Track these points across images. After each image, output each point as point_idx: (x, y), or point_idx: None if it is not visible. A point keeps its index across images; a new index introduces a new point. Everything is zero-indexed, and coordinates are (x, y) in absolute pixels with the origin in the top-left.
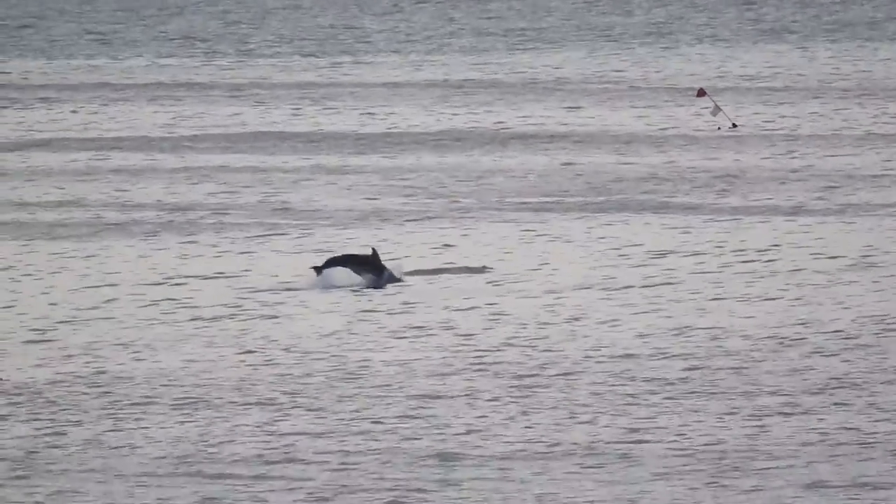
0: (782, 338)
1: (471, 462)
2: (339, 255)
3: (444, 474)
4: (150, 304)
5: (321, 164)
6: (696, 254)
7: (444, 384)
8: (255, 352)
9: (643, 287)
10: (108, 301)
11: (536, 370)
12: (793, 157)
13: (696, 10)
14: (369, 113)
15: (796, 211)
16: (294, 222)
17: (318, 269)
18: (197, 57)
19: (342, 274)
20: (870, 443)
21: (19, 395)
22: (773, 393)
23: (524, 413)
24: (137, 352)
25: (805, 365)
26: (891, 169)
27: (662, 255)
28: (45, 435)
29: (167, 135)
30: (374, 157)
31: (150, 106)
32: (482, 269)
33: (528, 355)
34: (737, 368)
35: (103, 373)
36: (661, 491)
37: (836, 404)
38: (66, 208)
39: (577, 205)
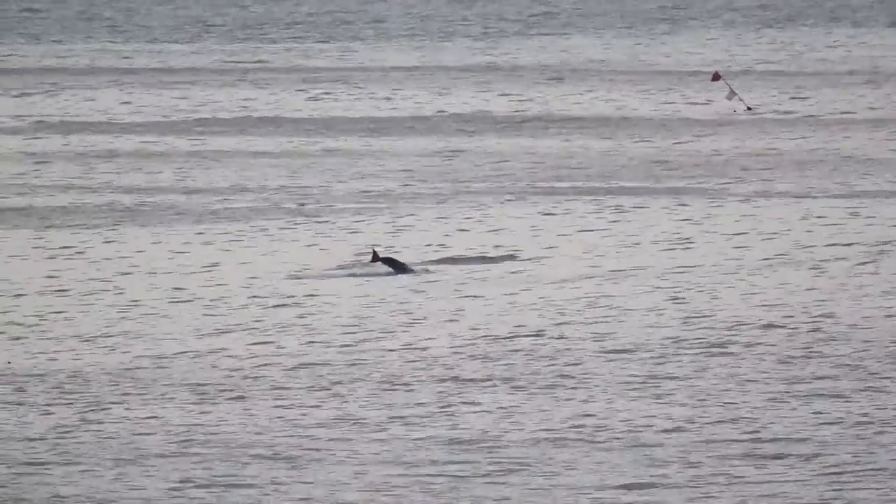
0: (795, 325)
1: (486, 448)
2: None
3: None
4: (163, 291)
5: (335, 147)
6: (710, 242)
7: (459, 371)
8: (267, 342)
9: (658, 274)
10: (121, 288)
11: (553, 357)
12: (807, 141)
13: None
14: (386, 97)
15: (810, 195)
16: (310, 207)
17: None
18: (211, 41)
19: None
20: (883, 430)
21: (30, 381)
22: (788, 381)
23: (542, 399)
24: (150, 338)
25: (818, 352)
26: None
27: (677, 241)
28: (58, 421)
29: (181, 119)
30: (388, 141)
31: (165, 90)
32: (507, 257)
33: (543, 343)
34: (754, 355)
35: (115, 359)
36: (675, 478)
37: (852, 391)
38: (79, 192)
39: (591, 189)
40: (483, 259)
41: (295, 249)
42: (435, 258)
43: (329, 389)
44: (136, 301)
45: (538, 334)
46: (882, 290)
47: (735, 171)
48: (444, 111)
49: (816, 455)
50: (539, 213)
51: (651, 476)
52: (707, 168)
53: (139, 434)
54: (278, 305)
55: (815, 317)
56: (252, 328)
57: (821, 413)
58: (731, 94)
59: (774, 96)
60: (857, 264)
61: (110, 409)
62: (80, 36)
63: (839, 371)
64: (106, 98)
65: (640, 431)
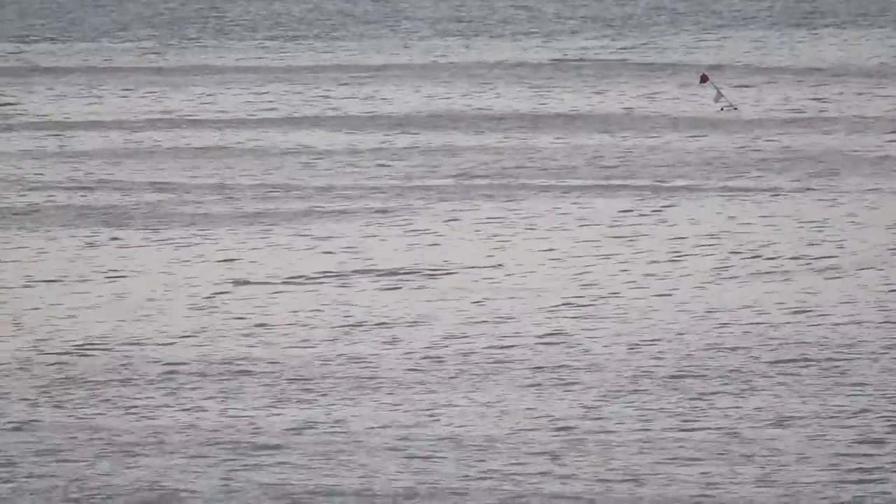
0: (751, 334)
1: (454, 447)
2: None
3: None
4: (151, 292)
5: (289, 148)
6: (700, 245)
7: (419, 375)
8: (218, 347)
9: (624, 280)
10: (111, 291)
11: (516, 361)
12: (789, 140)
13: None
14: (341, 95)
15: (783, 193)
16: (259, 209)
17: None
18: (148, 41)
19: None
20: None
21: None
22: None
23: (507, 403)
24: (136, 340)
25: (759, 357)
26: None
27: (642, 243)
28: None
29: (186, 118)
30: (350, 139)
31: (172, 91)
32: (467, 264)
33: (504, 348)
34: (734, 365)
35: (54, 359)
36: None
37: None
38: (16, 192)
39: (552, 187)
40: (442, 264)
41: (240, 254)
42: (395, 266)
43: (284, 391)
44: (75, 306)
45: (495, 343)
46: (838, 300)
47: (720, 168)
48: (397, 109)
49: (753, 455)
50: (500, 216)
51: (627, 475)
52: (693, 167)
53: (132, 427)
54: (225, 313)
55: (795, 320)
56: (200, 331)
57: (770, 407)
58: (718, 96)
59: (761, 97)
60: (818, 269)
61: (53, 404)
62: (14, 36)
63: (823, 371)
64: (36, 97)
65: (611, 433)
